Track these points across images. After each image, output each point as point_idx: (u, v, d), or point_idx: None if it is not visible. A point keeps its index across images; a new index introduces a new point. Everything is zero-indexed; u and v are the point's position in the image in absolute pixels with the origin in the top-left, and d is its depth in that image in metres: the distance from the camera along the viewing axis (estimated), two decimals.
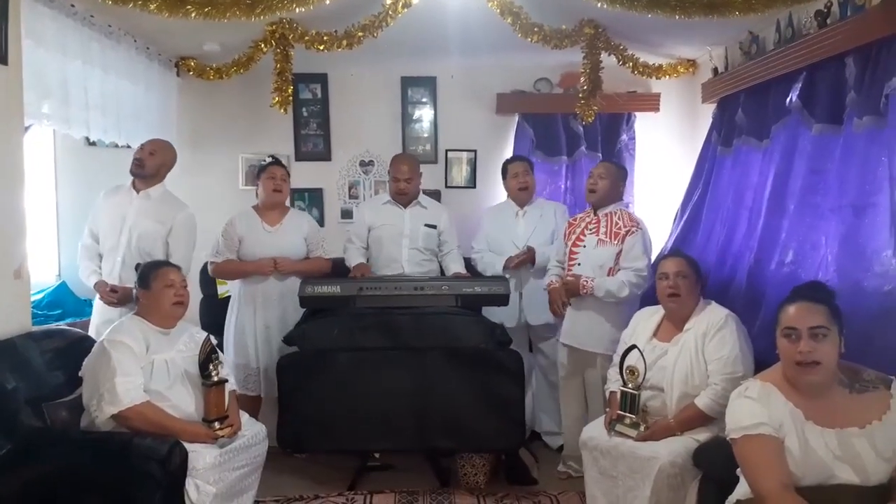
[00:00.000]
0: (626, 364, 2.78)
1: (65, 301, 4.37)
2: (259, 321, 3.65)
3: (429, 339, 3.24)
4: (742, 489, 2.04)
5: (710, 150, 4.11)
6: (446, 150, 4.93)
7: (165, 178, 3.61)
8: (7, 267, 2.76)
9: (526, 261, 3.82)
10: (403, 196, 3.88)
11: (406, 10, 3.42)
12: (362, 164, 4.94)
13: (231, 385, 2.89)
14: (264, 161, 3.98)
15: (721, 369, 2.62)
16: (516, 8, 3.48)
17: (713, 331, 2.69)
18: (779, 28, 3.39)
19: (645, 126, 4.80)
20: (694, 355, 2.70)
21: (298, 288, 3.46)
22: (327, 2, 3.28)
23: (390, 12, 3.46)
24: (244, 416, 2.92)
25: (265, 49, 3.90)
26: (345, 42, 3.74)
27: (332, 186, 4.95)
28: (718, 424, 2.50)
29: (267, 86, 3.97)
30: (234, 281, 3.81)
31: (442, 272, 3.94)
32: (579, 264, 3.41)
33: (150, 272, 2.85)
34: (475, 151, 4.92)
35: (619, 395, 2.80)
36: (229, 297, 3.89)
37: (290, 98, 3.99)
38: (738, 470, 2.06)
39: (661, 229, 4.33)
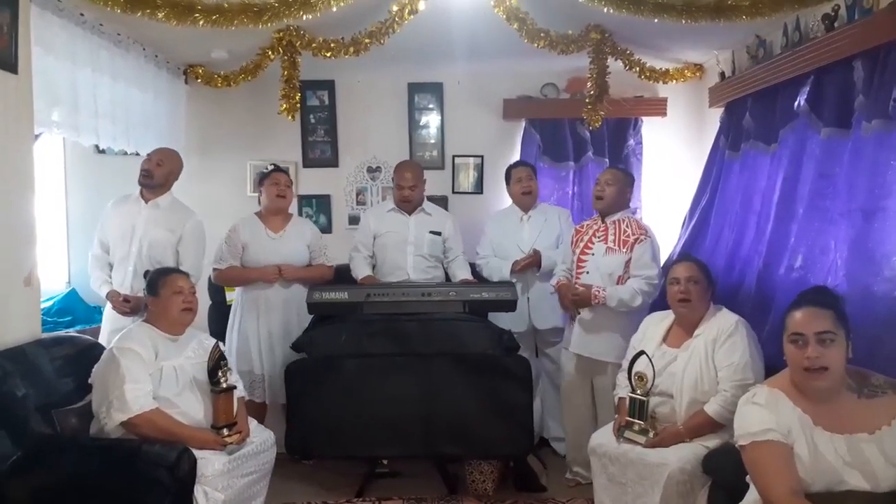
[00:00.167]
0: (634, 370, 2.76)
1: (74, 308, 4.39)
2: (262, 328, 3.65)
3: (436, 346, 3.23)
4: (752, 496, 2.02)
5: (718, 154, 4.10)
6: (453, 156, 4.94)
7: (172, 186, 3.63)
8: (17, 274, 2.78)
9: (532, 264, 3.81)
10: (408, 203, 3.88)
11: (412, 16, 3.43)
12: (369, 170, 4.95)
13: (240, 392, 2.90)
14: (266, 168, 3.99)
15: (731, 376, 2.60)
16: (522, 13, 3.49)
17: (723, 337, 2.68)
18: (786, 32, 3.38)
19: (652, 131, 4.78)
20: (704, 361, 2.68)
21: (306, 294, 3.47)
22: (334, 9, 3.29)
23: (397, 19, 3.47)
24: (252, 423, 2.93)
25: (273, 56, 3.92)
26: (352, 49, 3.75)
27: (340, 193, 4.96)
28: (728, 431, 2.47)
29: (274, 93, 3.99)
30: (237, 287, 3.81)
31: (448, 278, 3.94)
32: (588, 272, 3.40)
33: (159, 279, 2.86)
34: (482, 157, 4.92)
35: (627, 402, 2.79)
36: None
37: (298, 105, 4.01)
38: (748, 477, 2.04)
39: (668, 234, 4.31)
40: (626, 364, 2.87)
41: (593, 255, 3.41)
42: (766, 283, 3.20)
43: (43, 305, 3.33)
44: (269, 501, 2.95)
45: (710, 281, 2.86)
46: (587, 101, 4.07)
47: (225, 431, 2.70)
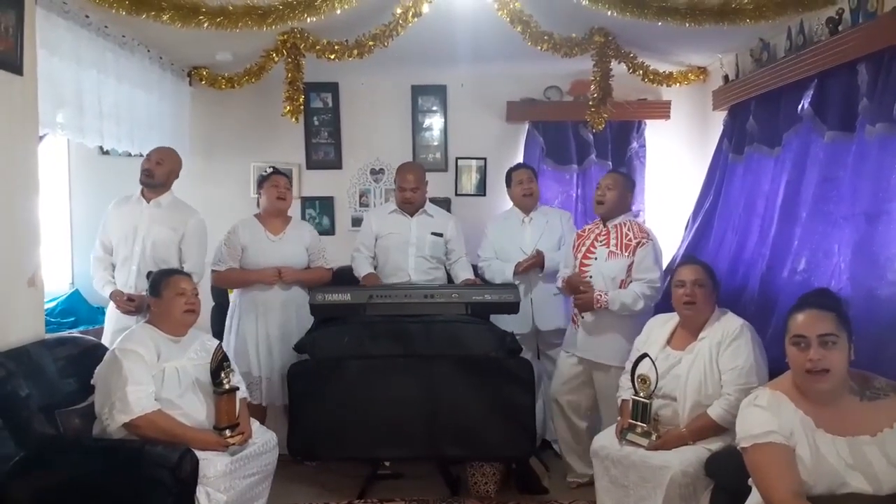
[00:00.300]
0: (637, 372, 2.76)
1: (78, 309, 4.40)
2: (261, 330, 3.64)
3: (439, 348, 3.23)
4: (754, 499, 2.02)
5: (722, 157, 4.09)
6: (456, 158, 4.94)
7: (173, 185, 3.65)
8: (21, 275, 2.79)
9: (535, 265, 3.80)
10: (410, 205, 3.89)
11: (416, 19, 3.43)
12: (373, 172, 4.96)
13: (242, 393, 2.90)
14: (265, 171, 3.99)
15: (735, 380, 2.60)
16: (526, 16, 3.49)
17: (728, 340, 2.67)
18: (790, 35, 3.38)
19: (655, 134, 4.78)
20: (708, 364, 2.68)
21: (309, 296, 3.47)
22: (338, 11, 3.29)
23: (400, 21, 3.48)
24: (255, 424, 2.93)
25: (276, 58, 3.93)
26: (355, 51, 3.76)
27: (343, 195, 4.97)
28: (731, 434, 2.47)
29: (278, 95, 4.00)
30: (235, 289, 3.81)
31: (450, 280, 3.94)
32: (591, 276, 3.39)
33: (161, 280, 2.86)
34: (485, 159, 4.93)
35: (630, 404, 2.79)
36: None
37: (302, 107, 4.01)
38: (750, 480, 2.04)
39: (672, 237, 4.31)
40: (629, 366, 2.87)
41: (596, 259, 3.40)
42: (770, 286, 3.20)
43: (46, 306, 3.33)
44: (271, 503, 2.95)
45: (715, 284, 2.85)
46: (590, 103, 4.08)
47: (227, 432, 2.71)
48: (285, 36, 3.78)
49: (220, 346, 2.85)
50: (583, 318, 3.41)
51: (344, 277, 3.93)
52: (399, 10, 3.44)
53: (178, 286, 2.84)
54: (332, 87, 4.86)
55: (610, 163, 4.66)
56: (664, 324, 2.94)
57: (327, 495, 3.45)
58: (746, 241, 3.58)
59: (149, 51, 3.93)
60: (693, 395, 2.67)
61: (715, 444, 2.57)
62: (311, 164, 4.93)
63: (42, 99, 2.87)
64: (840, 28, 2.97)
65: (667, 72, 4.38)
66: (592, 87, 4.03)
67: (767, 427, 1.97)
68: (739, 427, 2.07)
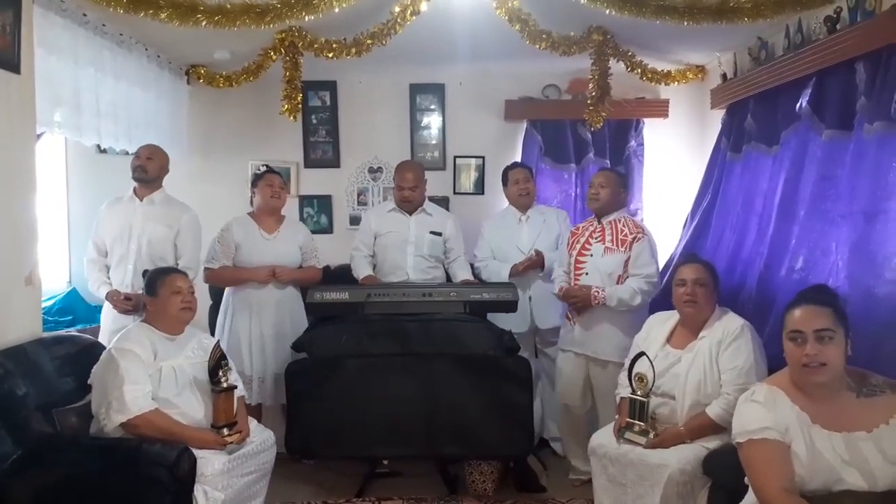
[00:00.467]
0: (634, 371, 2.76)
1: (75, 307, 4.39)
2: (254, 329, 3.62)
3: (437, 346, 3.23)
4: (751, 497, 2.02)
5: (720, 156, 4.10)
6: (454, 157, 4.94)
7: (164, 181, 3.65)
8: (18, 273, 2.78)
9: (534, 266, 3.80)
10: (408, 204, 3.88)
11: (414, 17, 3.43)
12: (371, 170, 4.95)
13: (240, 391, 2.90)
14: (259, 170, 3.98)
15: (734, 379, 2.59)
16: (524, 15, 3.49)
17: (728, 340, 2.67)
18: (788, 34, 3.38)
19: (653, 132, 4.78)
20: (708, 364, 2.67)
21: (307, 295, 3.47)
22: (336, 10, 3.29)
23: (399, 20, 3.47)
24: (252, 423, 2.92)
25: (275, 57, 3.93)
26: (353, 50, 3.76)
27: (341, 193, 4.97)
28: (729, 432, 2.47)
29: (276, 93, 4.00)
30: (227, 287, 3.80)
31: (448, 279, 3.94)
32: (587, 273, 3.39)
33: (157, 279, 2.86)
34: (483, 158, 4.92)
35: (627, 403, 2.79)
36: None
37: (300, 105, 4.01)
38: (747, 478, 2.04)
39: (670, 236, 4.31)
40: (627, 364, 2.87)
41: (592, 255, 3.41)
42: (768, 284, 3.20)
43: (44, 305, 3.33)
44: (268, 501, 2.96)
45: (716, 283, 2.85)
46: (589, 102, 4.08)
47: (225, 431, 2.70)
48: (283, 34, 3.78)
49: (217, 345, 2.84)
50: (578, 315, 3.41)
51: (343, 276, 3.92)
52: (397, 9, 3.43)
53: (174, 284, 2.84)
54: (331, 86, 4.86)
55: (608, 161, 4.66)
56: (664, 322, 2.93)
57: (325, 494, 3.45)
58: (744, 240, 3.59)
59: (146, 49, 3.92)
60: (692, 394, 2.67)
61: (713, 443, 2.57)
62: (309, 163, 4.93)
63: (40, 97, 2.86)
64: (838, 27, 2.97)
65: (665, 70, 4.38)
66: (591, 85, 4.03)
67: (763, 423, 1.97)
68: (735, 422, 2.08)
